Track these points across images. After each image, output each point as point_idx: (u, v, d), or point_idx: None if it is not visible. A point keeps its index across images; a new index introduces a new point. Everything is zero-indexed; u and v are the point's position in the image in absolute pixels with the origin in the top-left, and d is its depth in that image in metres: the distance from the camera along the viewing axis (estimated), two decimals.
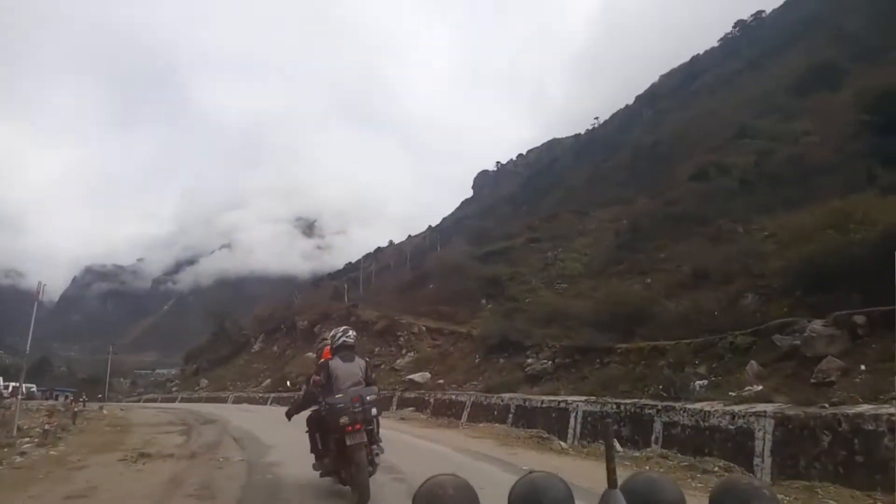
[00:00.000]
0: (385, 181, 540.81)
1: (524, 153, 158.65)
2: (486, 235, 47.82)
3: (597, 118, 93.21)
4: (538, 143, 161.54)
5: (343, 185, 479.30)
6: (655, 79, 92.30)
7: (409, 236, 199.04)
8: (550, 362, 20.58)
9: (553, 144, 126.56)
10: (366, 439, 7.02)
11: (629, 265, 27.92)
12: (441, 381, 24.95)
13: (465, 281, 36.28)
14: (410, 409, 23.03)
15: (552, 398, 16.51)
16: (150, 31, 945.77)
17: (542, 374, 20.38)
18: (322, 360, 7.68)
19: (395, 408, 24.82)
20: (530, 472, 1.46)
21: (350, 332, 7.84)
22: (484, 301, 34.11)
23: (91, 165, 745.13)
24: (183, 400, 46.02)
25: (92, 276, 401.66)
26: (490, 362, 24.26)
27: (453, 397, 21.47)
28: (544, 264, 35.34)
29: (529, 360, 21.49)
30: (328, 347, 7.79)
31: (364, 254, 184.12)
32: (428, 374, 26.32)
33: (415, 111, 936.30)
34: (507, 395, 18.71)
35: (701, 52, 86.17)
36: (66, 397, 69.09)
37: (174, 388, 61.12)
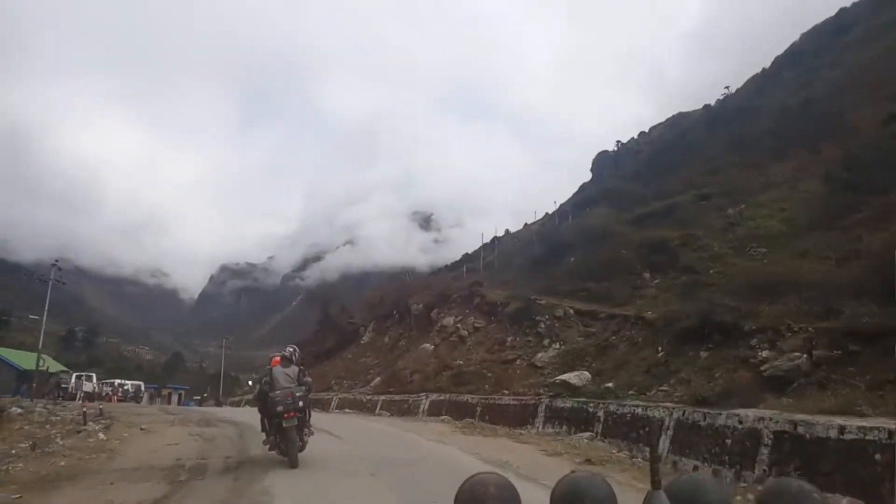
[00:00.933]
0: (499, 171, 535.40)
1: (646, 130, 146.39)
2: (631, 197, 38.52)
3: (727, 87, 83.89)
4: (660, 121, 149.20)
5: (458, 178, 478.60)
6: (795, 37, 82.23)
7: (526, 224, 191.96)
8: (804, 356, 12.55)
9: (678, 119, 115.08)
10: (296, 423, 10.62)
11: (876, 210, 18.97)
12: (610, 384, 17.21)
13: (616, 250, 28.28)
14: (587, 433, 15.24)
15: (861, 424, 8.67)
16: (270, 36, 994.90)
17: (791, 376, 12.43)
18: (270, 368, 11.47)
19: (540, 423, 17.55)
20: (573, 472, 1.46)
21: (289, 349, 11.79)
22: (648, 275, 26.05)
23: (222, 169, 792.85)
24: None
25: (227, 273, 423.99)
26: (684, 356, 16.27)
27: (638, 411, 13.77)
28: (727, 224, 26.57)
29: (764, 353, 13.48)
30: (275, 358, 11.76)
31: (481, 244, 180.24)
32: (587, 374, 18.66)
33: (527, 99, 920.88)
34: (747, 413, 10.93)
35: (848, 4, 75.47)
36: (179, 396, 70.02)
37: None
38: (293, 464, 10.43)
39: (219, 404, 61.23)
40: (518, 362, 24.25)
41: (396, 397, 27.73)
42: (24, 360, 53.29)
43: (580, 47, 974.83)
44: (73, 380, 45.20)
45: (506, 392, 20.92)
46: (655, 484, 1.30)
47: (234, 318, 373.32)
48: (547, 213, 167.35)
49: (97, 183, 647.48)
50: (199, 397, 76.43)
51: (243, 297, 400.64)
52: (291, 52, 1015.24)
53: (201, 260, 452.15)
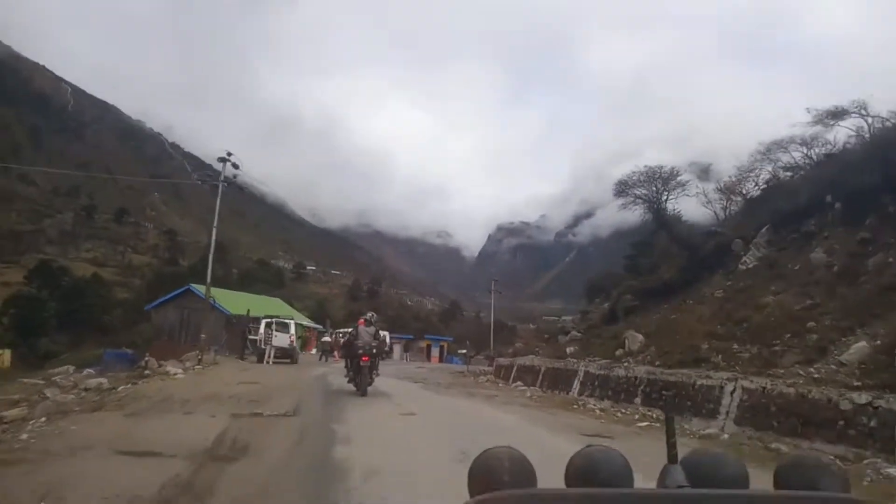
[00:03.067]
0: (788, 113, 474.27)
1: None
2: None
3: None
4: None
5: (739, 125, 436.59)
6: None
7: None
8: None
9: None
10: (368, 364, 15.28)
11: None
12: None
13: None
14: None
15: None
16: (531, 5, 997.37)
17: None
18: (356, 326, 16.62)
19: None
20: (588, 446, 1.39)
21: (369, 314, 17.36)
22: None
23: (496, 136, 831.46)
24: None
25: (503, 233, 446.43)
26: None
27: None
28: None
29: None
30: (361, 319, 16.70)
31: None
32: None
33: (815, 30, 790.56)
34: None
35: None
36: (441, 349, 66.37)
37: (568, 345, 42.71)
38: (363, 392, 14.97)
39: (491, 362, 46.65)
40: None
41: None
42: (259, 305, 45.18)
43: None
44: (262, 329, 32.92)
45: None
46: (672, 458, 1.27)
47: (511, 273, 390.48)
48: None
49: (390, 158, 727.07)
50: (464, 351, 62.82)
51: (519, 254, 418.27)
52: (553, 16, 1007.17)
53: (480, 220, 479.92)
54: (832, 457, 5.17)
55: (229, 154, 29.20)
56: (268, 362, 30.43)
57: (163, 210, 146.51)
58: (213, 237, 31.21)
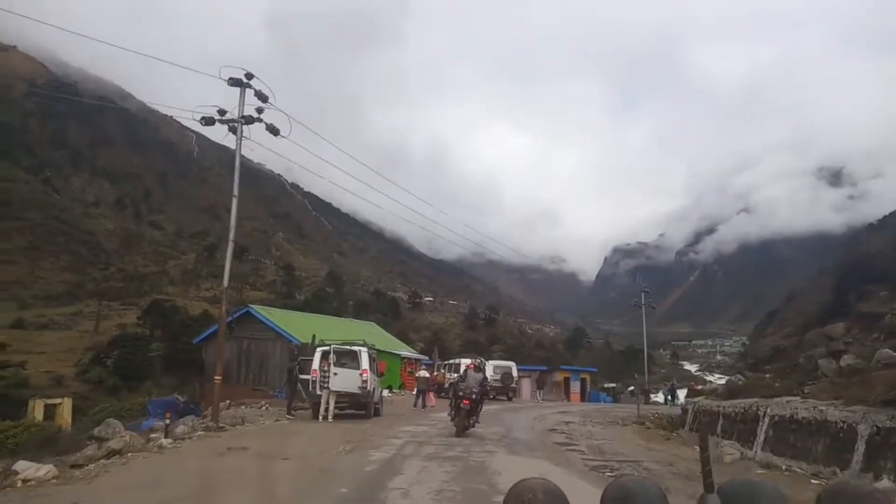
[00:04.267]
0: None
1: None
2: None
3: None
4: None
5: (871, 122, 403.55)
6: None
7: None
8: None
9: None
10: (468, 408, 15.74)
11: None
12: None
13: None
14: None
15: None
16: (633, 16, 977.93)
17: None
18: (466, 369, 17.80)
19: None
20: (622, 476, 1.52)
21: (479, 360, 19.22)
22: None
23: (606, 155, 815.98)
24: None
25: (619, 254, 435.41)
26: None
27: None
28: None
29: None
30: (471, 363, 18.14)
31: None
32: None
33: None
34: None
35: None
36: (582, 382, 48.72)
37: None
38: (458, 434, 15.40)
39: (646, 396, 42.33)
40: None
41: None
42: (341, 331, 33.26)
43: None
44: (316, 363, 20.55)
45: None
46: (708, 486, 1.27)
47: (632, 296, 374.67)
48: None
49: (498, 185, 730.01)
50: (612, 385, 59.80)
51: (638, 275, 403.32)
52: (656, 25, 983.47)
53: (595, 243, 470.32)
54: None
55: (248, 77, 18.46)
56: (325, 417, 19.07)
57: (287, 248, 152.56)
58: (234, 215, 19.62)
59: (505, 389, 34.77)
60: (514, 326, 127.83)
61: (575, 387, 47.14)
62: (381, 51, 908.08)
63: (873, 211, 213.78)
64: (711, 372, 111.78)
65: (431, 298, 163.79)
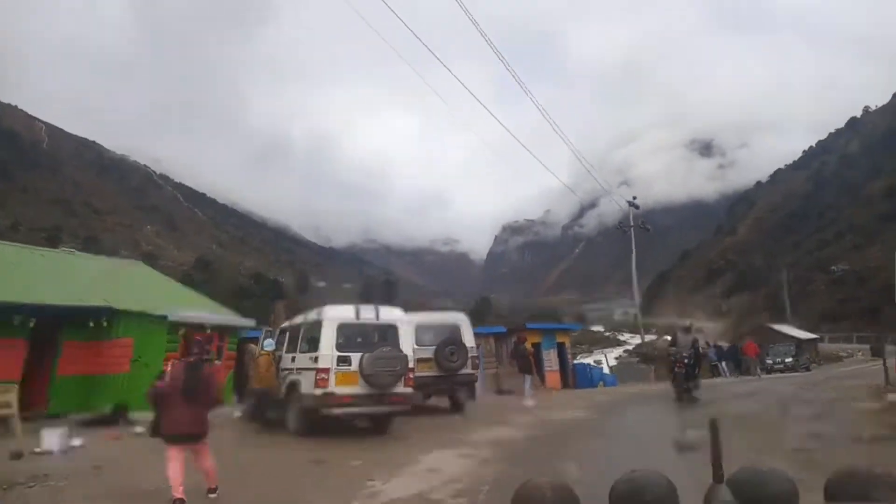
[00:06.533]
0: (786, 82, 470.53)
1: None
2: None
3: None
4: None
5: (737, 98, 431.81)
6: None
7: (830, 134, 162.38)
8: None
9: None
10: (684, 371, 14.62)
11: None
12: None
13: None
14: None
15: None
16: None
17: None
18: (677, 331, 15.73)
19: None
20: (632, 471, 1.44)
21: (687, 322, 20.33)
22: None
23: (492, 136, 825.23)
24: None
25: (508, 232, 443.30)
26: None
27: None
28: None
29: None
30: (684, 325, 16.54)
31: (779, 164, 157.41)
32: None
33: None
34: None
35: None
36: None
37: None
38: (678, 398, 14.63)
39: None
40: None
41: None
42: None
43: None
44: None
45: None
46: (717, 477, 1.27)
47: (522, 271, 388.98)
48: (853, 117, 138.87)
49: (388, 170, 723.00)
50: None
51: (526, 252, 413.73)
52: (542, 8, 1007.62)
53: (485, 223, 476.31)
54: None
55: None
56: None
57: (156, 242, 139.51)
58: None
59: (451, 381, 14.53)
60: (415, 303, 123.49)
61: (548, 358, 24.75)
62: (262, 35, 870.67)
63: (741, 179, 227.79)
64: (621, 332, 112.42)
65: (324, 284, 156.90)
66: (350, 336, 10.85)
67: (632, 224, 34.45)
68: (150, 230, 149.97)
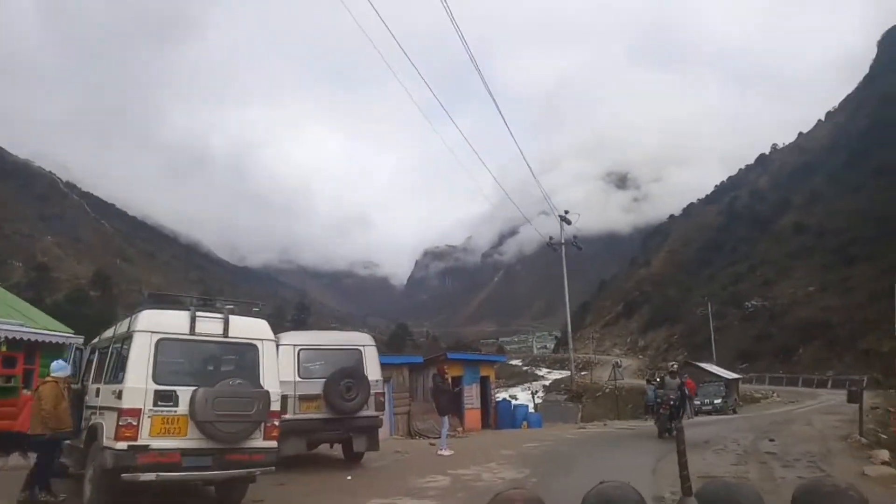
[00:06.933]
0: (699, 118, 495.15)
1: None
2: None
3: None
4: None
5: (653, 132, 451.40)
6: None
7: (740, 170, 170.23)
8: None
9: None
10: (668, 413, 15.46)
11: None
12: None
13: None
14: None
15: None
16: (443, 25, 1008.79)
17: None
18: (665, 375, 17.48)
19: None
20: (601, 483, 1.44)
21: (673, 365, 18.66)
22: None
23: (418, 160, 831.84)
24: None
25: (430, 257, 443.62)
26: None
27: None
28: None
29: None
30: (672, 369, 17.61)
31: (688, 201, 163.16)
32: None
33: (724, 36, 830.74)
34: None
35: None
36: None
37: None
38: (659, 435, 15.66)
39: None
40: None
41: None
42: None
43: None
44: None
45: None
46: (686, 490, 1.32)
47: (442, 298, 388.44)
48: (763, 154, 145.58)
49: (309, 190, 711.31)
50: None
51: (447, 277, 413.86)
52: (468, 33, 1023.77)
53: (406, 247, 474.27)
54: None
55: None
56: None
57: (55, 253, 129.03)
58: None
59: (346, 425, 11.02)
60: (327, 327, 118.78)
61: (471, 394, 21.31)
62: (183, 46, 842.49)
63: (655, 212, 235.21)
64: (538, 366, 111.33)
65: (233, 307, 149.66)
66: (179, 359, 7.26)
67: (563, 242, 31.60)
68: (51, 241, 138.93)
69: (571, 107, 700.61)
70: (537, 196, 31.50)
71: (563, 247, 30.90)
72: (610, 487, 1.33)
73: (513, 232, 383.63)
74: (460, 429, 19.03)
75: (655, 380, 24.89)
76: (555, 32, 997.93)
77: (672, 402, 15.50)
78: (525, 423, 22.18)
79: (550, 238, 31.38)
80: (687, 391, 18.00)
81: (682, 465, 1.37)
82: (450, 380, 15.46)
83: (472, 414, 21.15)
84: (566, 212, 31.31)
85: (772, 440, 14.52)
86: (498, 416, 22.71)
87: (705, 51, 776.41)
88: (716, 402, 32.33)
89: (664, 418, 15.59)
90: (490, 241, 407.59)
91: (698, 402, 29.55)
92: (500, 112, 19.40)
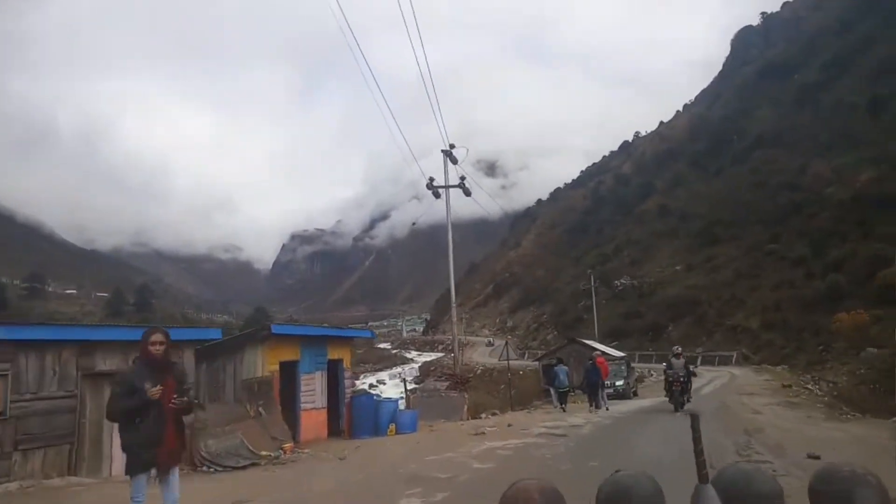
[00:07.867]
0: (566, 112, 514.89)
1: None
2: None
3: None
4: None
5: (522, 123, 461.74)
6: None
7: (604, 156, 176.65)
8: None
9: None
10: (679, 388, 17.95)
11: None
12: None
13: None
14: None
15: None
16: (319, 5, 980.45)
17: None
18: (671, 357, 18.86)
19: None
20: (617, 471, 1.43)
21: (677, 349, 19.35)
22: None
23: (287, 143, 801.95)
24: None
25: (297, 241, 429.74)
26: None
27: None
28: None
29: None
30: (678, 352, 19.06)
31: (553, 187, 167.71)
32: None
33: (593, 35, 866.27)
34: None
35: None
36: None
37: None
38: (675, 409, 17.91)
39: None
40: None
41: None
42: None
43: None
44: None
45: None
46: (702, 477, 1.28)
47: (310, 283, 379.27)
48: (626, 141, 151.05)
49: (169, 170, 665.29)
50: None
51: (316, 262, 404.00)
52: (345, 17, 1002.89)
53: (272, 231, 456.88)
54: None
55: None
56: None
57: None
58: None
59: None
60: (177, 313, 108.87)
61: (311, 389, 15.42)
62: (29, 12, 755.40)
63: (522, 197, 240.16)
64: (407, 349, 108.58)
65: (74, 291, 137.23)
66: None
67: (447, 184, 25.02)
68: None
69: (446, 97, 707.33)
70: (408, 181, 26.41)
71: (448, 190, 24.26)
72: (625, 476, 1.29)
73: (384, 216, 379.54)
74: (292, 444, 12.19)
75: (561, 361, 23.37)
76: (431, 24, 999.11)
77: (682, 380, 18.17)
78: (392, 425, 15.85)
79: (431, 179, 24.30)
80: (601, 375, 20.62)
81: (698, 453, 1.34)
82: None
83: (314, 417, 15.23)
84: (452, 146, 24.41)
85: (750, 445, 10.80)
86: (353, 419, 16.20)
87: (575, 50, 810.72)
88: (617, 384, 27.46)
89: (677, 394, 18.12)
90: (361, 225, 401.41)
91: (608, 385, 24.03)
92: (380, 91, 14.50)
